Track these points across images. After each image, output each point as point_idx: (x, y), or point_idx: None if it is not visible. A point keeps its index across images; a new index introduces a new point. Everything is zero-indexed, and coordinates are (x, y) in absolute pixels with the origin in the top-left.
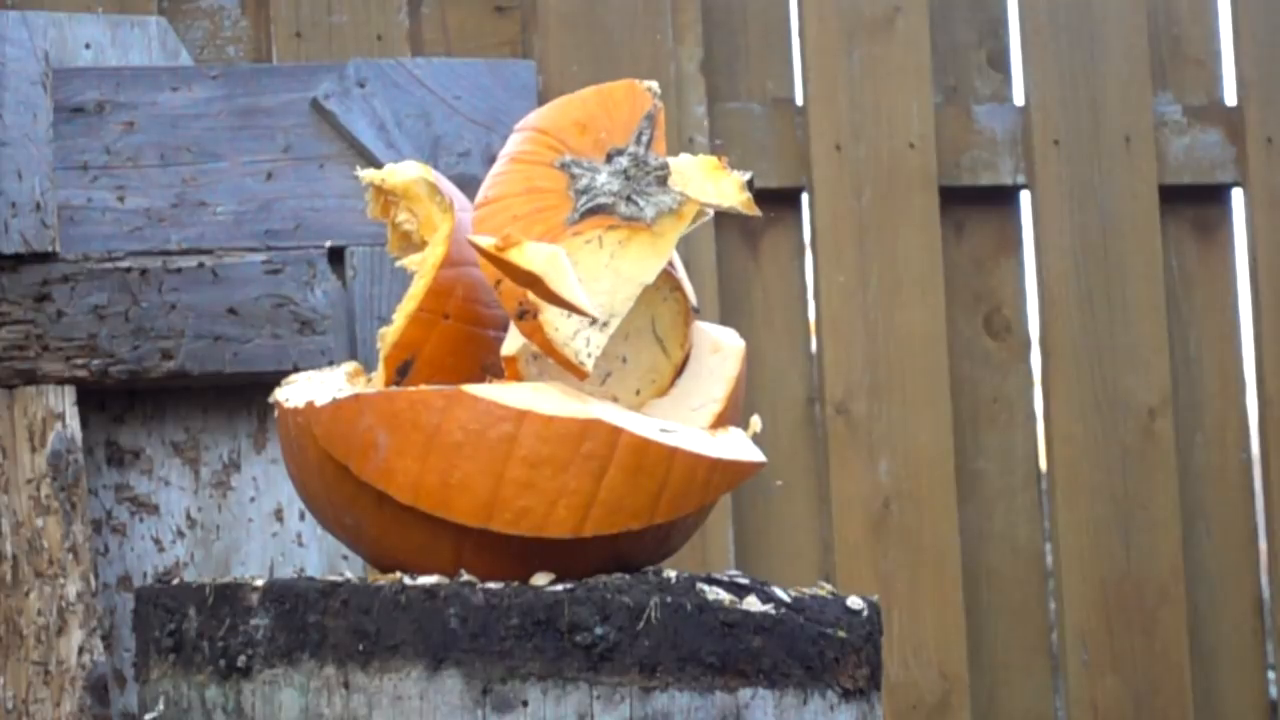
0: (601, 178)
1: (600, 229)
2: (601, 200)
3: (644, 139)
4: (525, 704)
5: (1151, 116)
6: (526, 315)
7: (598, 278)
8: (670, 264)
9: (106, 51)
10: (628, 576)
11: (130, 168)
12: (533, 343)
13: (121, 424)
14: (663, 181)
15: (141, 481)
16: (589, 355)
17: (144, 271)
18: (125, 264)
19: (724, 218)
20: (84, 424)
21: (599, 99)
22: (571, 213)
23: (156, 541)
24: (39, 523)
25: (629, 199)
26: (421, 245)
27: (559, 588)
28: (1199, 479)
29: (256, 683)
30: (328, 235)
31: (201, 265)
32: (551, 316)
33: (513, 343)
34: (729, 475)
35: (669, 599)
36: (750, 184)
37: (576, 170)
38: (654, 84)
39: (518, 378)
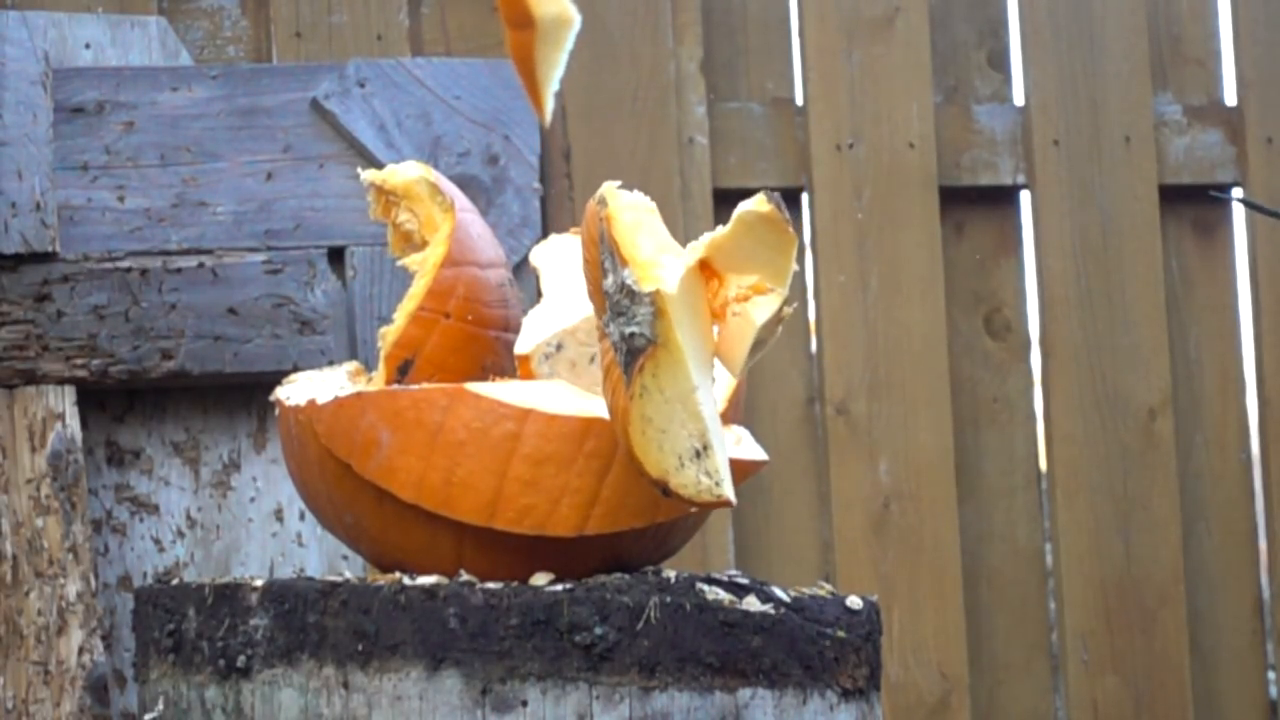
0: (611, 328)
1: (639, 376)
2: (621, 356)
3: (607, 265)
4: (525, 704)
5: (1151, 116)
6: (670, 493)
7: (669, 417)
8: None
9: (106, 51)
10: (627, 576)
11: (130, 168)
12: (682, 505)
13: (121, 424)
14: (633, 296)
15: (141, 481)
16: (719, 481)
17: (144, 271)
18: (125, 264)
19: (723, 217)
20: (84, 424)
21: (583, 232)
22: (625, 378)
23: (156, 541)
24: (39, 523)
25: (628, 336)
26: (422, 245)
27: (559, 588)
28: (1199, 479)
29: (256, 683)
30: (328, 235)
31: (201, 265)
32: (670, 467)
33: (526, 341)
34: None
35: (669, 599)
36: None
37: (604, 329)
38: (602, 191)
39: (530, 376)
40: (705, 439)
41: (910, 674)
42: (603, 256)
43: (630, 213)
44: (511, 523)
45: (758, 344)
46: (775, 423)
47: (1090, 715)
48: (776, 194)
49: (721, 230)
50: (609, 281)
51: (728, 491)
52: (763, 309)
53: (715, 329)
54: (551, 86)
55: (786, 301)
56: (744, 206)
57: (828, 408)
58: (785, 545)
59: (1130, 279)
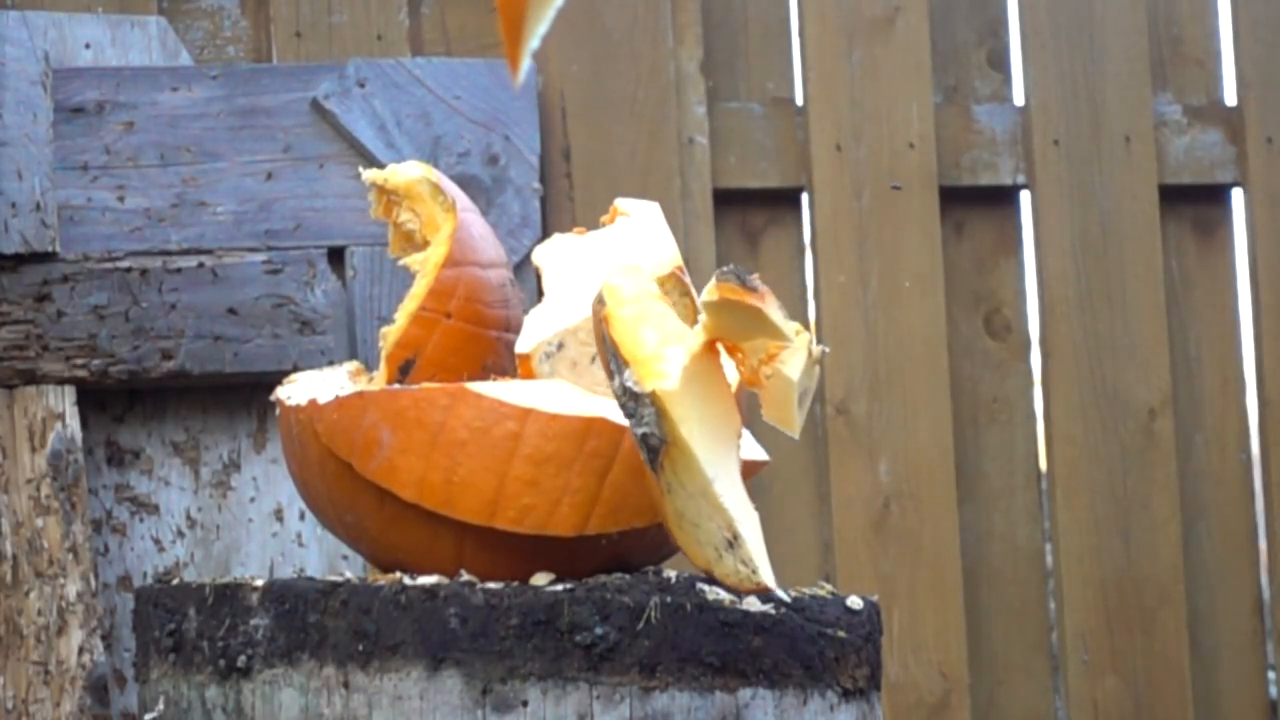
0: (630, 427)
1: (663, 474)
2: (644, 454)
3: (612, 366)
4: (525, 704)
5: (1151, 116)
6: (718, 582)
7: (697, 511)
8: (680, 269)
9: (106, 51)
10: (628, 576)
11: (130, 168)
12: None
13: (121, 424)
14: (636, 398)
15: (141, 481)
16: (755, 570)
17: (144, 271)
18: (125, 264)
19: (723, 217)
20: (84, 424)
21: (593, 329)
22: (654, 476)
23: (156, 541)
24: (39, 523)
25: (642, 438)
26: (424, 245)
27: (559, 587)
28: (1199, 479)
29: (256, 683)
30: (328, 235)
31: (201, 265)
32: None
33: (527, 341)
34: None
35: (669, 599)
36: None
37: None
38: (600, 289)
39: (531, 376)
40: (733, 529)
41: (910, 674)
42: (608, 357)
43: (630, 306)
44: (512, 522)
45: (803, 395)
46: None
47: (1090, 715)
48: (729, 270)
49: (702, 316)
50: (615, 383)
51: (765, 579)
52: (793, 361)
53: (757, 393)
54: (533, 42)
55: (811, 343)
56: (704, 294)
57: (828, 408)
58: (785, 545)
59: (1130, 279)
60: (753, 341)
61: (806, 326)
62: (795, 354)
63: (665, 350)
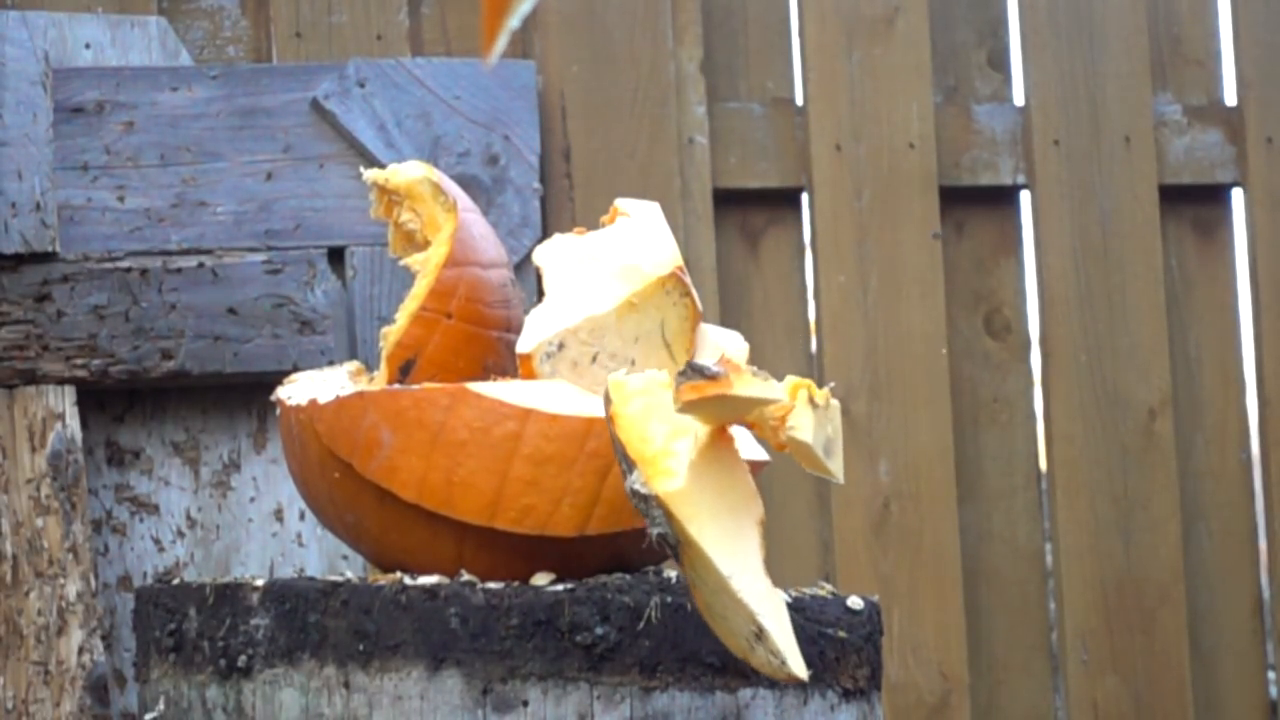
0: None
1: (686, 570)
2: (669, 550)
3: (622, 466)
4: (525, 704)
5: (1151, 116)
6: (756, 671)
7: (723, 604)
8: (680, 269)
9: (106, 51)
10: (628, 576)
11: (130, 168)
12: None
13: (121, 424)
14: (645, 500)
15: (141, 481)
16: (784, 661)
17: (144, 271)
18: (125, 264)
19: (723, 217)
20: (84, 424)
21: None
22: (681, 571)
23: (156, 541)
24: (39, 523)
25: (659, 538)
26: (424, 245)
27: (559, 588)
28: (1199, 479)
29: (257, 682)
30: (328, 235)
31: (201, 265)
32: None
33: (528, 341)
34: None
35: (669, 599)
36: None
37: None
38: (607, 386)
39: (532, 376)
40: (756, 623)
41: (910, 674)
42: (618, 457)
43: (636, 401)
44: (512, 522)
45: (828, 444)
46: None
47: (1090, 715)
48: (684, 371)
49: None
50: (627, 484)
51: (796, 670)
52: (801, 420)
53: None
54: (514, 21)
55: (813, 390)
56: (674, 401)
57: None
58: (785, 545)
59: (1130, 279)
60: (753, 415)
61: (807, 326)
62: (800, 412)
63: (673, 445)
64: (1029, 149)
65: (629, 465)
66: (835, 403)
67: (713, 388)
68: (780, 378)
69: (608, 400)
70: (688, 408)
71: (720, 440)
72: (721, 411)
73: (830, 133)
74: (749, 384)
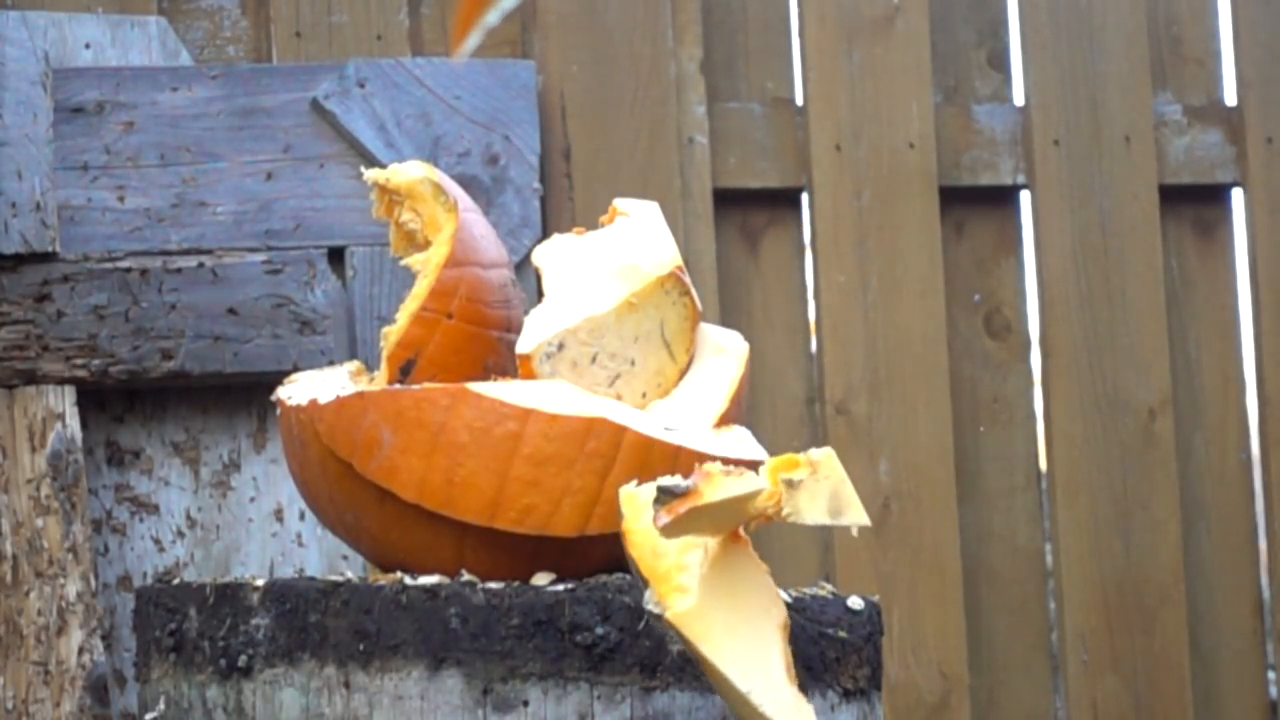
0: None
1: (710, 679)
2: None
3: (638, 582)
4: (526, 704)
5: (1151, 116)
6: None
7: (750, 711)
8: (679, 269)
9: (106, 51)
10: (629, 576)
11: (130, 168)
12: None
13: (121, 424)
14: (659, 620)
15: (141, 481)
16: None
17: (144, 271)
18: (125, 264)
19: (723, 217)
20: (84, 424)
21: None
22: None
23: (156, 541)
24: (39, 523)
25: (679, 654)
26: (425, 245)
27: (560, 587)
28: (1199, 479)
29: (257, 682)
30: (328, 235)
31: (201, 265)
32: None
33: (528, 341)
34: None
35: None
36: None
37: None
38: (620, 499)
39: (531, 376)
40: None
41: (910, 674)
42: (632, 571)
43: (648, 515)
44: (513, 523)
45: (833, 506)
46: (775, 423)
47: (1090, 715)
48: (656, 500)
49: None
50: (643, 600)
51: None
52: (793, 501)
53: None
54: (491, 19)
55: (794, 465)
56: (658, 528)
57: (828, 408)
58: (785, 545)
59: (1130, 279)
60: (749, 510)
61: (807, 326)
62: (793, 494)
63: (685, 558)
64: (1029, 149)
65: (643, 583)
66: (827, 453)
67: (685, 503)
68: (780, 377)
69: (619, 515)
70: (670, 530)
71: (733, 546)
72: (710, 522)
73: (830, 133)
74: (723, 486)
